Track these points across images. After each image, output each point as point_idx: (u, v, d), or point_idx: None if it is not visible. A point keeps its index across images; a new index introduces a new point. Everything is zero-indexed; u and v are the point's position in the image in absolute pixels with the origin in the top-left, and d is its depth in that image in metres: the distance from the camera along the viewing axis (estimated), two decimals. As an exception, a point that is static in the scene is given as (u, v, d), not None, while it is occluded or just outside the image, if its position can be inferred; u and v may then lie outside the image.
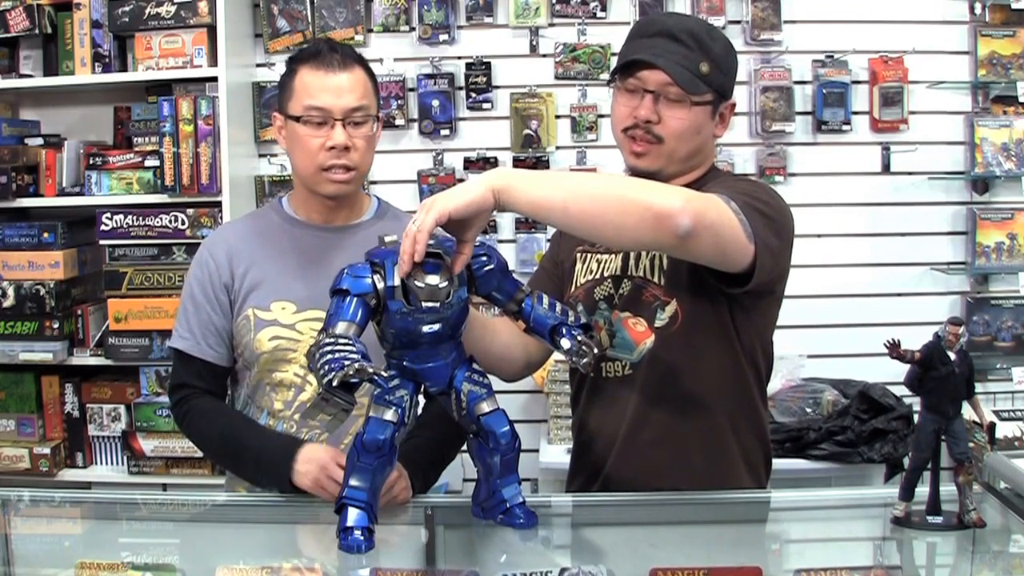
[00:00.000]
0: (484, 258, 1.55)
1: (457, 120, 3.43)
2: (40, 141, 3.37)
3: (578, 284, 1.86)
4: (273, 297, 1.90)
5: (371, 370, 1.36)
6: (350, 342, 1.39)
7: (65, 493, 2.19)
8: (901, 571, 1.57)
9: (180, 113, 3.21)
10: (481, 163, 3.42)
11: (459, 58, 3.42)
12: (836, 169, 3.40)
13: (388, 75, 3.37)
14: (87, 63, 3.29)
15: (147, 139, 3.30)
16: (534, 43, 3.42)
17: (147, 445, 3.27)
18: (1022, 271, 3.36)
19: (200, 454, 3.15)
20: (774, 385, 3.02)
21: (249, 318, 1.90)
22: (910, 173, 3.40)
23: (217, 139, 3.20)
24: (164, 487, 3.27)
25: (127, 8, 3.23)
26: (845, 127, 3.37)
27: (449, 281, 1.45)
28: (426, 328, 1.47)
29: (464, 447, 1.68)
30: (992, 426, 3.05)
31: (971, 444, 1.52)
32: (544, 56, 3.42)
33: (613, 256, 1.82)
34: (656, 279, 1.76)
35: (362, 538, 1.47)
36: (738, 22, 3.37)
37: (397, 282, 1.45)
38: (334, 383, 1.34)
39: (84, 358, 3.30)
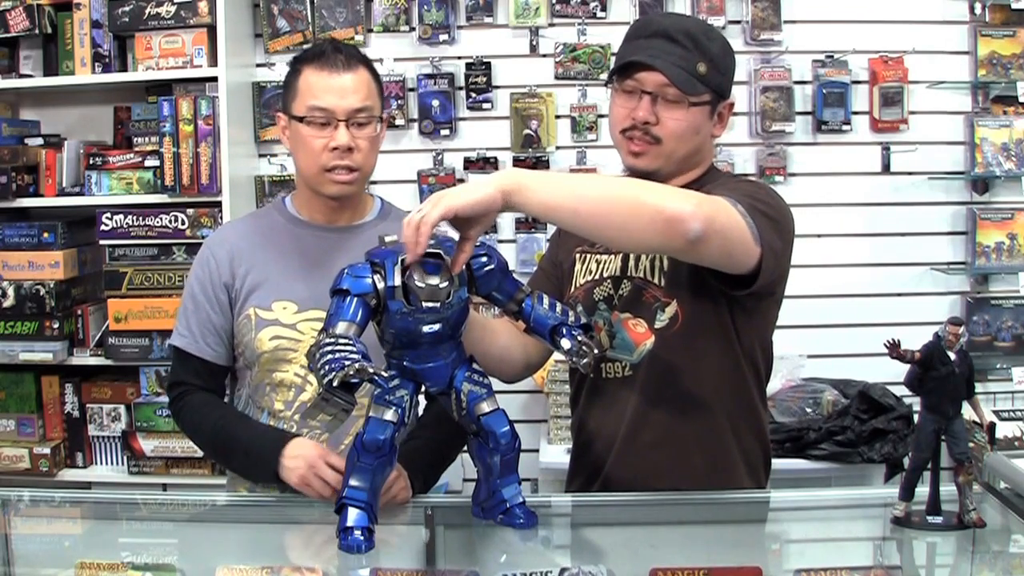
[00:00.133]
0: (484, 258, 1.55)
1: (457, 120, 3.43)
2: (40, 141, 3.37)
3: (577, 285, 1.86)
4: (275, 297, 1.90)
5: (371, 370, 1.36)
6: (350, 342, 1.39)
7: (65, 493, 2.19)
8: (901, 571, 1.57)
9: (180, 113, 3.21)
10: (481, 163, 3.42)
11: (459, 58, 3.42)
12: (836, 169, 3.40)
13: (388, 75, 3.37)
14: (87, 63, 3.29)
15: (147, 139, 3.30)
16: (534, 43, 3.42)
17: (147, 445, 3.27)
18: (1022, 271, 3.36)
19: (200, 454, 3.16)
20: (774, 385, 3.02)
21: (250, 317, 1.90)
22: (910, 173, 3.40)
23: (217, 139, 3.20)
24: (164, 487, 3.27)
25: (127, 8, 3.23)
26: (845, 127, 3.37)
27: (449, 281, 1.45)
28: (426, 328, 1.47)
29: (464, 448, 1.68)
30: (992, 426, 3.05)
31: (971, 444, 1.52)
32: (544, 56, 3.42)
33: (612, 257, 1.82)
34: (656, 280, 1.76)
35: (362, 538, 1.47)
36: (738, 22, 3.36)
37: (397, 282, 1.45)
38: (334, 383, 1.34)
39: (84, 358, 3.30)
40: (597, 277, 1.84)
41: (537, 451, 3.17)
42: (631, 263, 1.80)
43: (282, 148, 3.42)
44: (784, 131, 3.38)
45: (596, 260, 1.85)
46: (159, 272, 3.23)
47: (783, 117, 3.37)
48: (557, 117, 3.42)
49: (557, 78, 3.40)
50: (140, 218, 3.20)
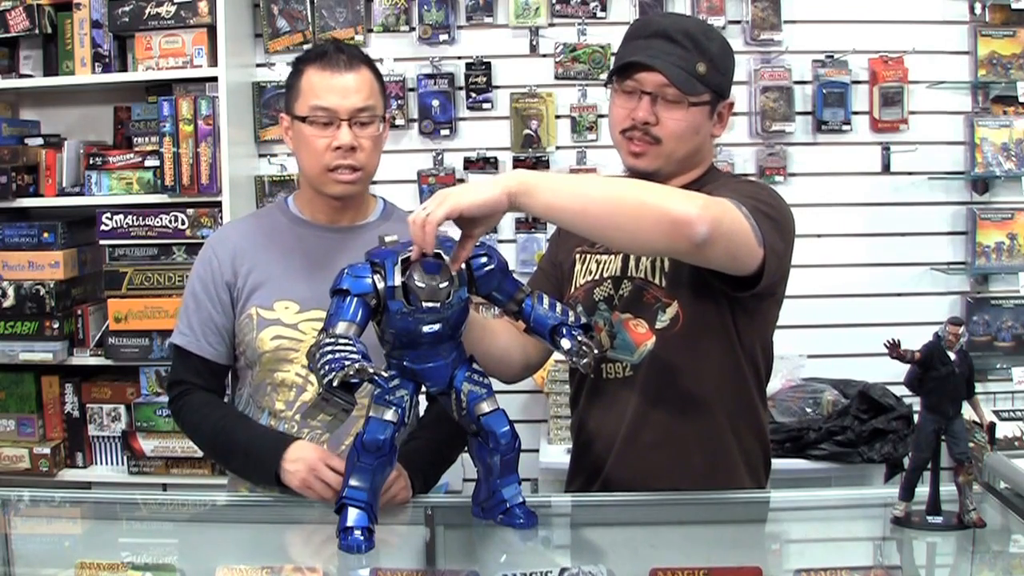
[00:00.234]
0: (484, 258, 1.55)
1: (457, 120, 3.43)
2: (40, 141, 3.37)
3: (577, 285, 1.86)
4: (276, 296, 1.90)
5: (371, 370, 1.36)
6: (350, 342, 1.39)
7: (65, 493, 2.19)
8: (901, 571, 1.57)
9: (180, 113, 3.21)
10: (481, 163, 3.42)
11: (459, 58, 3.42)
12: (836, 169, 3.40)
13: (388, 75, 3.36)
14: (87, 63, 3.29)
15: (147, 139, 3.30)
16: (534, 43, 3.42)
17: (147, 445, 3.27)
18: (1022, 271, 3.36)
19: (200, 454, 3.16)
20: (774, 385, 3.02)
21: (252, 317, 1.90)
22: (910, 173, 3.40)
23: (217, 139, 3.20)
24: (164, 487, 3.27)
25: (127, 8, 3.23)
26: (845, 127, 3.37)
27: (449, 281, 1.45)
28: (426, 328, 1.47)
29: (465, 448, 1.68)
30: (992, 426, 3.05)
31: (971, 444, 1.52)
32: (544, 56, 3.42)
33: (613, 257, 1.82)
34: (657, 280, 1.76)
35: (362, 538, 1.47)
36: (738, 22, 3.36)
37: (397, 282, 1.45)
38: (334, 383, 1.34)
39: (84, 358, 3.30)
40: (597, 277, 1.84)
41: (537, 451, 3.17)
42: (631, 263, 1.79)
43: (282, 148, 3.42)
44: (784, 131, 3.38)
45: (596, 260, 1.85)
46: (159, 272, 3.22)
47: (783, 117, 3.37)
48: (557, 117, 3.42)
49: (557, 78, 3.40)
50: (140, 218, 3.20)
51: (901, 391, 2.79)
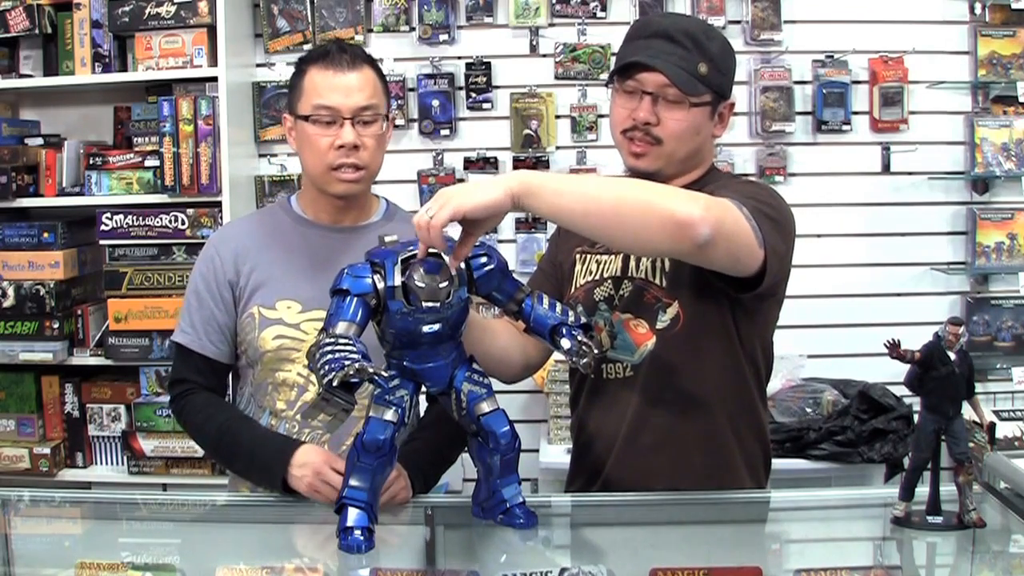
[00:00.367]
0: (484, 258, 1.55)
1: (457, 120, 3.43)
2: (40, 141, 3.37)
3: (577, 285, 1.86)
4: (279, 296, 1.90)
5: (371, 370, 1.36)
6: (350, 342, 1.39)
7: (65, 493, 2.19)
8: (901, 571, 1.57)
9: (180, 113, 3.21)
10: (481, 163, 3.42)
11: (459, 58, 3.42)
12: (836, 169, 3.40)
13: (388, 75, 3.34)
14: (87, 63, 3.29)
15: (147, 139, 3.29)
16: (534, 43, 3.41)
17: (147, 445, 3.27)
18: (1022, 271, 3.36)
19: (200, 454, 3.16)
20: (774, 385, 3.02)
21: (254, 316, 1.90)
22: (910, 173, 3.40)
23: (217, 139, 3.20)
24: (164, 487, 3.27)
25: (127, 8, 3.23)
26: (845, 127, 3.37)
27: (449, 281, 1.45)
28: (426, 328, 1.47)
29: (465, 448, 1.68)
30: (992, 426, 3.05)
31: (971, 444, 1.52)
32: (544, 56, 3.42)
33: (613, 257, 1.82)
34: (658, 280, 1.76)
35: (362, 538, 1.47)
36: (738, 22, 3.36)
37: (397, 282, 1.45)
38: (334, 383, 1.34)
39: (84, 358, 3.30)
40: (597, 277, 1.84)
41: (537, 451, 3.17)
42: (632, 264, 1.79)
43: (282, 148, 3.43)
44: (784, 131, 3.38)
45: (596, 260, 1.85)
46: (159, 272, 3.22)
47: (783, 117, 3.37)
48: (557, 117, 3.41)
49: (557, 78, 3.40)
50: (140, 218, 3.20)
51: (901, 391, 2.79)
